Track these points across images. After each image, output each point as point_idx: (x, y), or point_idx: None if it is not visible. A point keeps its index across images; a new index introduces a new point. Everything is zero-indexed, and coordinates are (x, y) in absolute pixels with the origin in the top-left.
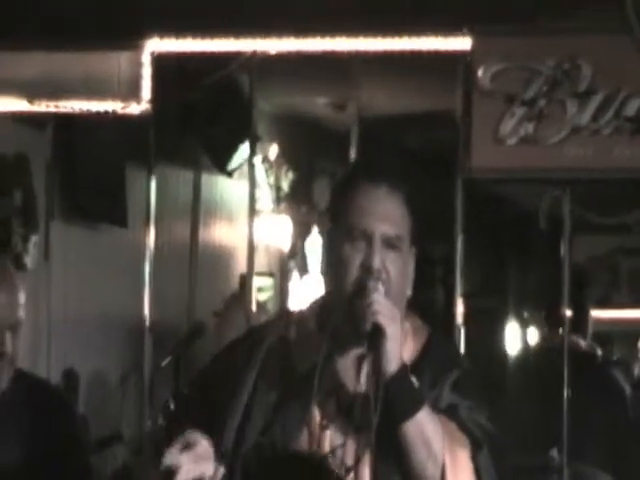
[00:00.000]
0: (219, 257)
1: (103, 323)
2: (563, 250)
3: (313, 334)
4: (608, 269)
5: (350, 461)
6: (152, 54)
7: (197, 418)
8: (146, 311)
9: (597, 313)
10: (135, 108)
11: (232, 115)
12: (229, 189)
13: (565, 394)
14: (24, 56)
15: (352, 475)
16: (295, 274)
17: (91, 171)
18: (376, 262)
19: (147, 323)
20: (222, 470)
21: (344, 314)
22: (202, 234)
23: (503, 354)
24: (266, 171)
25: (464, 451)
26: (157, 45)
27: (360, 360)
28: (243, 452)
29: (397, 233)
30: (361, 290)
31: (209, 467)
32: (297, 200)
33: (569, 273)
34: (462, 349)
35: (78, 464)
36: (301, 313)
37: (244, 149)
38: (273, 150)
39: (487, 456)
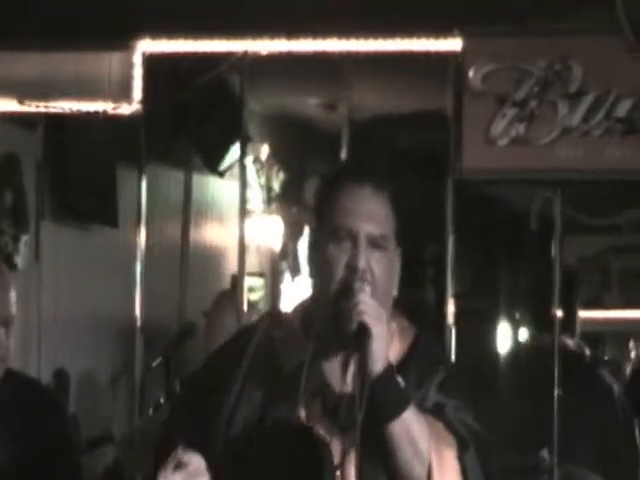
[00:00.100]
0: (210, 257)
1: (94, 323)
2: (554, 251)
3: (299, 335)
4: (599, 270)
5: (336, 461)
6: (143, 54)
7: (190, 421)
8: (137, 311)
9: (588, 313)
10: (126, 108)
11: (223, 115)
12: (220, 189)
13: (555, 394)
14: (15, 56)
15: (338, 475)
16: (286, 274)
17: (82, 171)
18: (361, 262)
19: (138, 323)
20: None
21: (330, 315)
22: (193, 234)
23: (494, 354)
24: (257, 171)
25: (450, 451)
26: (148, 45)
27: (346, 360)
28: (228, 450)
29: (382, 233)
30: (347, 290)
31: None
32: (288, 200)
33: (560, 274)
34: (453, 349)
35: (69, 464)
36: (288, 314)
37: (235, 149)
38: (264, 150)
39: (474, 456)
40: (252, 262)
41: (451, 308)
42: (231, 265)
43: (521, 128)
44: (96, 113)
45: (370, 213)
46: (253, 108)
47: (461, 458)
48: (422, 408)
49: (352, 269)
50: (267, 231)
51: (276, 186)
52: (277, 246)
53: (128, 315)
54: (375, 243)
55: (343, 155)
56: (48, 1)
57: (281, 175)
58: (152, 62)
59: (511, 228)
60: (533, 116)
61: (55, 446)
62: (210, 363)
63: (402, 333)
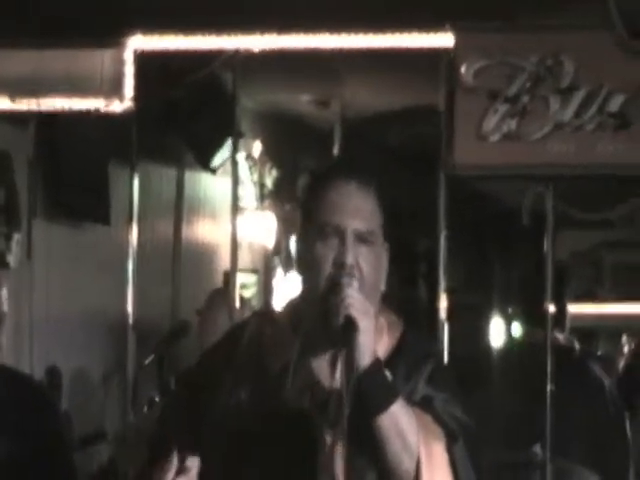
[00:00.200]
0: (202, 254)
1: (86, 321)
2: (546, 246)
3: (288, 333)
4: (591, 264)
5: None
6: (135, 52)
7: (184, 418)
8: (129, 308)
9: (581, 308)
10: (118, 106)
11: (215, 112)
12: (212, 186)
13: (548, 390)
14: (6, 54)
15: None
16: (279, 271)
17: (74, 169)
18: (349, 258)
19: (130, 320)
20: None
21: (318, 311)
22: (185, 231)
23: (487, 349)
24: (250, 168)
25: (439, 443)
26: (140, 43)
27: (335, 357)
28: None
29: (369, 228)
30: (334, 287)
31: None
32: (281, 197)
33: (552, 269)
34: (445, 345)
35: (62, 461)
36: (277, 312)
37: (228, 146)
38: (256, 147)
39: (462, 448)
40: (245, 259)
41: (443, 303)
42: (223, 262)
43: (513, 124)
44: (88, 110)
45: (357, 209)
46: (245, 105)
47: (450, 450)
48: (410, 401)
49: (340, 265)
50: (260, 228)
51: (269, 183)
52: (270, 243)
53: (120, 312)
54: (362, 238)
55: (335, 151)
56: None
57: (273, 172)
58: (144, 59)
59: (503, 223)
60: (525, 111)
61: (48, 443)
62: (203, 361)
63: (390, 328)
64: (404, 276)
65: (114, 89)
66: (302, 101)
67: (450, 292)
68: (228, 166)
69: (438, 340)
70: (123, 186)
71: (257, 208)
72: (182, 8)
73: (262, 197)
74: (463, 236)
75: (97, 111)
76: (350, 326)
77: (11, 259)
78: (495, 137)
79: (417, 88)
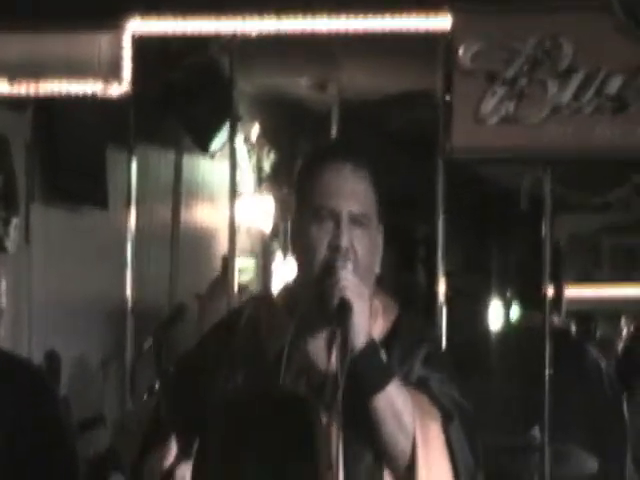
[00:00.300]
0: (201, 238)
1: (84, 305)
2: (544, 229)
3: (283, 316)
4: (590, 247)
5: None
6: (133, 35)
7: (181, 401)
8: (127, 293)
9: (579, 291)
10: (116, 89)
11: (213, 96)
12: (210, 170)
13: (547, 373)
14: (4, 38)
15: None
16: (277, 255)
17: (71, 153)
18: (344, 241)
19: (129, 305)
20: None
21: (314, 295)
22: (183, 215)
23: (485, 333)
24: (248, 152)
25: (435, 423)
26: (138, 26)
27: (331, 339)
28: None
29: (363, 211)
30: (329, 270)
31: None
32: (279, 181)
33: (550, 252)
34: (444, 328)
35: (61, 446)
36: (273, 296)
37: (225, 130)
38: (254, 131)
39: (458, 428)
40: (243, 243)
41: (442, 287)
42: (222, 246)
43: (511, 107)
44: (85, 94)
45: (352, 192)
46: (243, 88)
47: (446, 430)
48: (406, 382)
49: (335, 248)
50: (258, 212)
51: (267, 166)
52: (268, 227)
53: (119, 297)
54: (357, 221)
55: (333, 135)
56: None
57: (271, 155)
58: (141, 43)
59: (501, 207)
60: (523, 94)
61: (47, 428)
62: (201, 344)
63: (385, 311)
64: (402, 260)
65: (112, 73)
66: (300, 84)
67: (448, 276)
68: (226, 150)
69: (436, 324)
70: (121, 170)
71: (255, 192)
72: None
73: (260, 181)
74: (461, 220)
75: (95, 95)
76: (345, 308)
77: (9, 244)
78: (493, 120)
79: (415, 71)
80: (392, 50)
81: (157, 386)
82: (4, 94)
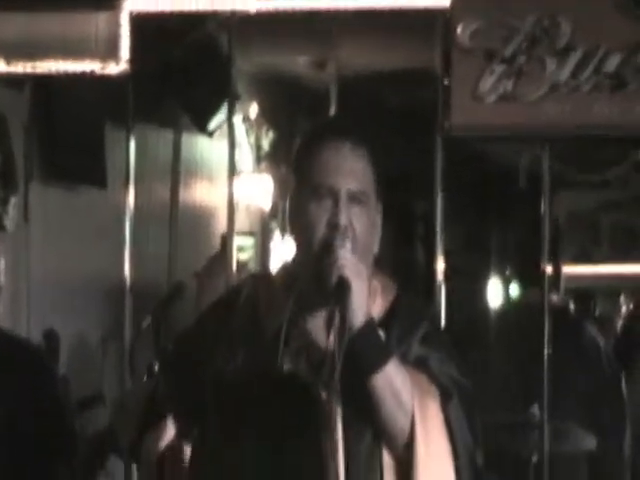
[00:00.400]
0: (199, 217)
1: (83, 284)
2: (543, 207)
3: (282, 294)
4: (589, 225)
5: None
6: (130, 13)
7: (180, 381)
8: (126, 272)
9: (578, 269)
10: (113, 68)
11: (211, 75)
12: (209, 149)
13: (545, 351)
14: (1, 17)
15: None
16: (276, 233)
17: (70, 131)
18: (342, 219)
19: (127, 284)
20: None
21: (312, 273)
22: (182, 194)
23: (484, 311)
24: (246, 130)
25: (434, 402)
26: (135, 4)
27: (330, 317)
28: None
29: (362, 188)
30: (328, 248)
31: None
32: (278, 159)
33: (549, 229)
34: (443, 307)
35: (60, 424)
36: (272, 275)
37: (224, 109)
38: (253, 109)
39: (457, 406)
40: (242, 221)
41: (441, 265)
42: (221, 225)
43: (509, 84)
44: (83, 73)
45: (350, 169)
46: (241, 67)
47: (445, 409)
48: (405, 361)
49: (333, 226)
50: (257, 190)
51: (265, 145)
52: (267, 205)
53: (117, 276)
54: (355, 199)
55: (332, 113)
56: None
57: (270, 134)
58: (139, 21)
59: (500, 185)
60: (521, 72)
61: (46, 407)
62: (200, 322)
63: (384, 291)
64: (401, 238)
65: (110, 51)
66: (298, 63)
67: (447, 254)
68: (225, 128)
69: (435, 302)
70: (119, 149)
71: (254, 170)
72: None
73: (259, 159)
74: (460, 198)
75: (93, 74)
76: (343, 286)
77: (8, 223)
78: (491, 98)
79: (413, 49)
80: (390, 28)
81: (156, 366)
82: (2, 73)
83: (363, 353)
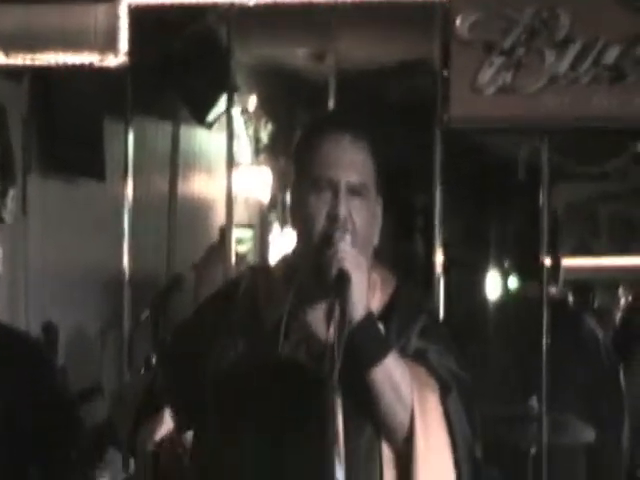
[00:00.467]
0: (198, 209)
1: (82, 276)
2: (541, 199)
3: (282, 286)
4: (588, 217)
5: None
6: (129, 6)
7: (179, 372)
8: (125, 264)
9: (578, 261)
10: (112, 60)
11: (210, 67)
12: (208, 141)
13: (544, 343)
14: (0, 8)
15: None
16: (275, 226)
17: (68, 123)
18: (342, 211)
19: (126, 276)
20: None
21: (312, 265)
22: (181, 186)
23: (483, 303)
24: (245, 123)
25: (433, 395)
26: None
27: (330, 310)
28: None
29: (362, 181)
30: (328, 240)
31: None
32: (276, 151)
33: (548, 222)
34: (442, 299)
35: (60, 416)
36: (271, 266)
37: (223, 101)
38: (252, 101)
39: (456, 399)
40: (240, 214)
41: (440, 258)
42: (219, 217)
43: (508, 77)
44: (82, 65)
45: (350, 162)
46: (240, 59)
47: (444, 402)
48: (404, 354)
49: (333, 219)
50: (255, 182)
51: (264, 137)
52: (265, 197)
53: (116, 268)
54: (355, 191)
55: (331, 105)
56: None
57: (269, 126)
58: (138, 13)
59: (499, 177)
60: (520, 64)
61: (45, 399)
62: (199, 313)
63: (383, 284)
64: (401, 231)
65: (108, 43)
66: (297, 55)
67: (445, 246)
68: (223, 121)
69: (434, 294)
70: (118, 141)
71: (252, 163)
72: None
73: (257, 151)
74: (459, 190)
75: (91, 66)
76: (343, 279)
77: (7, 215)
78: (490, 90)
79: (412, 41)
80: (390, 20)
81: (154, 358)
82: (0, 64)
83: (363, 346)
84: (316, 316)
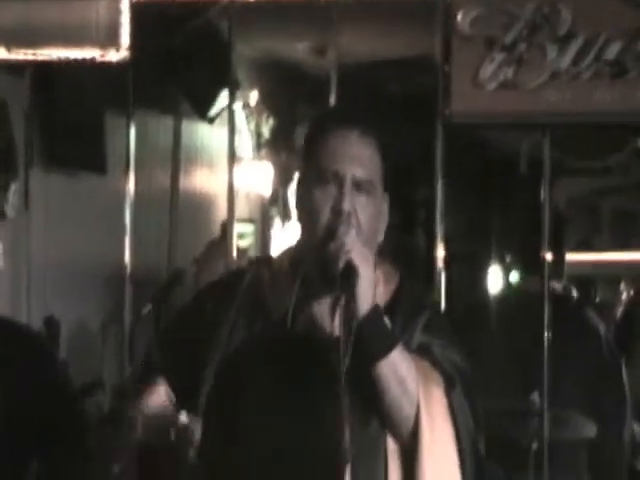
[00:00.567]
0: (200, 204)
1: (83, 270)
2: (543, 193)
3: (287, 278)
4: (589, 212)
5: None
6: (131, 0)
7: (177, 356)
8: (126, 258)
9: (579, 256)
10: (114, 55)
11: (212, 61)
12: (209, 135)
13: (546, 337)
14: (1, 3)
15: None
16: (276, 220)
17: (70, 118)
18: (346, 205)
19: (127, 270)
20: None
21: (316, 258)
22: (182, 181)
23: (484, 298)
24: (246, 117)
25: (438, 389)
26: None
27: (335, 303)
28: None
29: (368, 177)
30: (332, 234)
31: None
32: (278, 146)
33: (550, 216)
34: (443, 293)
35: (61, 410)
36: (275, 258)
37: (224, 95)
38: (253, 96)
39: (460, 393)
40: (242, 208)
41: (441, 252)
42: (221, 211)
43: (510, 72)
44: (84, 60)
45: (357, 157)
46: (242, 53)
47: (448, 396)
48: (408, 349)
49: (337, 212)
50: (257, 177)
51: (266, 132)
52: (267, 192)
53: (117, 262)
54: (361, 187)
55: (332, 100)
56: None
57: (270, 121)
58: (140, 8)
59: (501, 171)
60: (522, 60)
61: (47, 393)
62: (198, 299)
63: (386, 280)
64: (402, 225)
65: (110, 38)
66: (299, 49)
67: (447, 241)
68: (225, 115)
69: (435, 288)
70: (120, 135)
71: (254, 157)
72: None
73: (259, 146)
74: (461, 184)
75: (93, 60)
76: (350, 272)
77: (8, 209)
78: (492, 85)
79: (414, 36)
80: (391, 15)
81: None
82: (2, 59)
83: (369, 340)
84: (321, 309)
